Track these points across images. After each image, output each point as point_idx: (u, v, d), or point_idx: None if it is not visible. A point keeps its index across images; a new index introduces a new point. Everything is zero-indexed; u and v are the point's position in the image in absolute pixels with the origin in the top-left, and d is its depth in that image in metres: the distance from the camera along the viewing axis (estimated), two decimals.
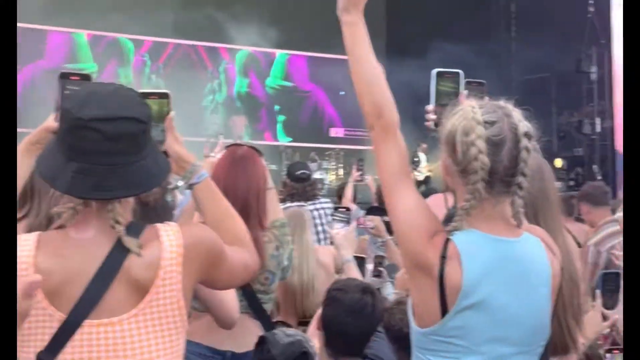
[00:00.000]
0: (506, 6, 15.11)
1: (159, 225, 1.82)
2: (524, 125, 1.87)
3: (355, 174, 7.19)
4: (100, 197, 1.72)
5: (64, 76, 2.12)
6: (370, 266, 4.20)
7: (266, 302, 3.05)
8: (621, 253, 4.91)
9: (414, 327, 1.93)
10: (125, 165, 1.72)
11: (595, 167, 12.90)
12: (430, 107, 2.19)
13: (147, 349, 1.74)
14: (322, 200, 6.04)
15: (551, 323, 1.98)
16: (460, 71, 2.24)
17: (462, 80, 2.22)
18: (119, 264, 1.72)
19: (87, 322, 1.70)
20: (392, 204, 1.95)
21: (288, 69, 16.53)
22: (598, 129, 13.12)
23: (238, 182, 2.94)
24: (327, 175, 13.94)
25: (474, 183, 1.83)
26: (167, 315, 1.76)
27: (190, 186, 2.10)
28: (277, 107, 16.26)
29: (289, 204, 5.67)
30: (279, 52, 16.07)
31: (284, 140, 15.96)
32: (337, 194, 7.52)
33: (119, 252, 1.73)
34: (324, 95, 16.65)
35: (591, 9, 12.91)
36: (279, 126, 16.25)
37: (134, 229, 1.77)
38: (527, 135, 1.87)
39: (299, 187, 5.77)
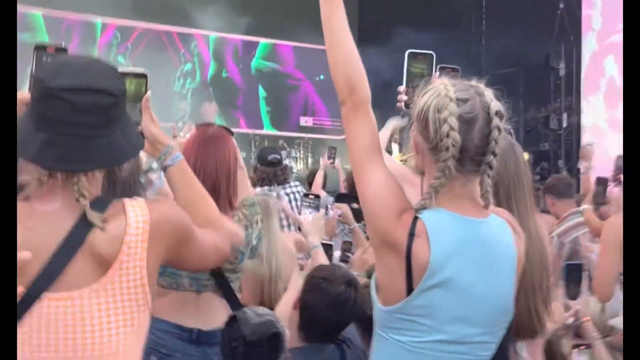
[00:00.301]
0: (477, 0, 15.19)
1: (126, 200, 1.80)
2: (496, 104, 1.89)
3: (326, 161, 7.20)
4: (66, 168, 1.71)
5: (39, 48, 2.10)
6: (337, 252, 4.23)
7: (233, 281, 3.06)
8: (589, 244, 5.02)
9: (378, 306, 1.94)
10: (94, 138, 1.70)
11: (560, 162, 13.07)
12: (402, 87, 2.21)
13: (106, 325, 1.72)
14: (292, 184, 6.06)
15: (518, 306, 2.01)
16: (432, 53, 2.26)
17: (434, 62, 2.25)
18: (83, 237, 1.71)
19: (46, 295, 1.68)
20: (361, 180, 1.95)
21: (274, 53, 16.36)
22: (564, 124, 13.28)
23: (208, 162, 2.94)
24: (295, 164, 13.95)
25: (445, 160, 1.84)
26: (129, 291, 1.74)
27: (164, 168, 2.10)
28: (263, 94, 16.11)
29: (259, 189, 5.70)
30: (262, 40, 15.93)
31: (269, 129, 15.87)
32: (308, 180, 7.53)
33: (83, 226, 1.71)
34: (309, 84, 16.55)
35: (561, 5, 13.04)
36: (263, 116, 16.11)
37: (99, 203, 1.76)
38: (499, 114, 1.88)
39: (270, 172, 5.79)
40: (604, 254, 3.59)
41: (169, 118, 13.29)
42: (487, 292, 1.90)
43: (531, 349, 2.48)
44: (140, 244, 1.75)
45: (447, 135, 1.83)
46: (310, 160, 14.44)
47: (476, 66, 14.71)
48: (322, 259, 3.42)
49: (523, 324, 2.26)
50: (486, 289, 1.90)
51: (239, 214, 3.05)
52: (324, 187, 6.76)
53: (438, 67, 2.26)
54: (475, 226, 1.91)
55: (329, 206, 5.76)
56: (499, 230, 1.96)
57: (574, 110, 13.21)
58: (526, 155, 9.65)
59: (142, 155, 2.22)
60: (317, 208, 3.83)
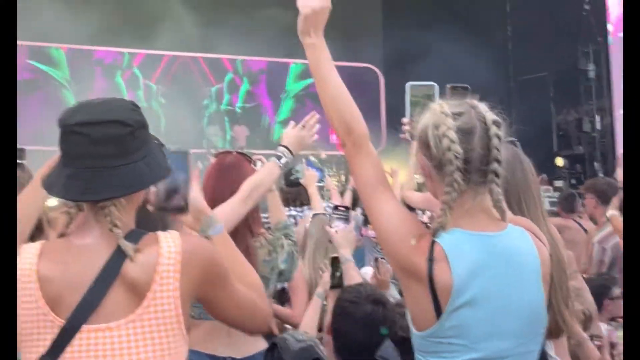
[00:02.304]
0: (501, 5, 15.11)
1: (160, 232, 1.84)
2: (491, 115, 1.93)
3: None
4: (89, 198, 1.77)
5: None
6: (370, 269, 4.21)
7: None
8: None
9: (413, 331, 1.95)
10: (114, 167, 1.76)
11: (597, 165, 12.91)
12: (406, 119, 2.25)
13: (143, 355, 1.75)
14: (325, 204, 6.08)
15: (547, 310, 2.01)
16: (434, 84, 2.31)
17: (437, 92, 2.29)
18: (117, 268, 1.75)
19: (85, 327, 1.73)
20: (373, 213, 2.00)
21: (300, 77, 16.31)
22: (598, 126, 13.12)
23: (225, 192, 2.95)
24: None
25: (451, 173, 1.87)
26: (165, 322, 1.77)
27: (205, 238, 2.13)
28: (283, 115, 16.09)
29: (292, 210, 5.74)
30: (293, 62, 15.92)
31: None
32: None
33: (117, 257, 1.76)
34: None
35: (587, 6, 12.93)
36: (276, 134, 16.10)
37: (134, 235, 1.81)
38: (496, 123, 1.92)
39: (293, 192, 5.79)
40: None
41: (202, 144, 13.45)
42: (515, 304, 1.91)
43: (558, 349, 2.53)
44: (172, 273, 1.77)
45: (449, 149, 1.87)
46: (343, 177, 14.41)
47: (504, 73, 14.63)
48: (355, 273, 3.44)
49: (549, 325, 2.29)
50: (513, 301, 1.91)
51: (262, 239, 3.06)
52: (354, 207, 6.75)
53: (448, 86, 2.29)
54: (493, 241, 1.93)
55: (363, 229, 5.73)
56: (519, 240, 1.97)
57: (607, 112, 13.05)
58: (561, 160, 9.51)
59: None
60: (347, 220, 3.79)
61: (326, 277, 3.42)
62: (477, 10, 14.61)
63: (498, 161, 1.91)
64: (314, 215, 4.50)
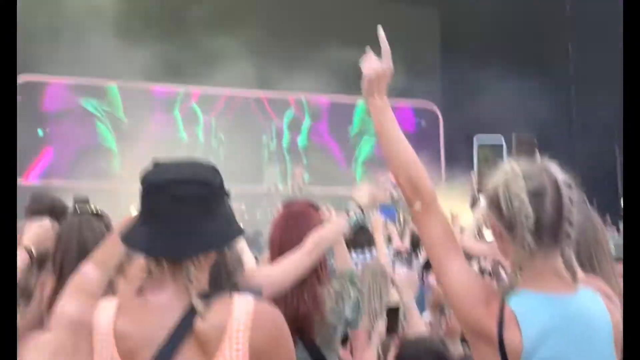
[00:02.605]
0: (563, 45, 14.90)
1: (235, 294, 1.86)
2: (563, 176, 1.93)
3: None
4: (171, 255, 1.80)
5: None
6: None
7: (330, 355, 3.04)
8: None
9: None
10: (195, 225, 1.80)
11: None
12: (474, 173, 2.25)
13: None
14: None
15: None
16: (502, 144, 2.31)
17: (504, 149, 2.29)
18: (189, 325, 1.77)
19: None
20: (441, 274, 2.00)
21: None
22: None
23: (292, 241, 2.99)
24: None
25: (521, 235, 1.87)
26: None
27: None
28: (362, 157, 16.02)
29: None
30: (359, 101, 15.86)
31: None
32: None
33: (190, 315, 1.78)
34: None
35: None
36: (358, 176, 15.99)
37: (208, 295, 1.82)
38: (568, 185, 1.91)
39: (351, 235, 5.74)
40: None
41: (262, 181, 13.53)
42: None
43: None
44: (242, 334, 1.77)
45: (520, 211, 1.88)
46: (402, 218, 14.28)
47: (567, 113, 14.39)
48: (417, 319, 3.42)
49: None
50: None
51: (330, 288, 3.06)
52: (414, 249, 6.64)
53: (514, 135, 2.27)
54: (565, 304, 1.91)
55: (424, 276, 5.64)
56: (591, 302, 1.94)
57: None
58: None
59: None
60: (409, 263, 3.76)
61: (382, 326, 3.38)
62: (538, 50, 14.44)
63: (570, 223, 1.90)
64: (364, 266, 4.47)
